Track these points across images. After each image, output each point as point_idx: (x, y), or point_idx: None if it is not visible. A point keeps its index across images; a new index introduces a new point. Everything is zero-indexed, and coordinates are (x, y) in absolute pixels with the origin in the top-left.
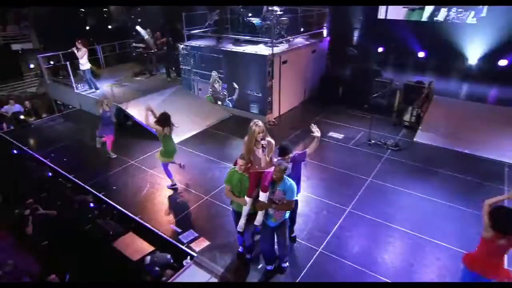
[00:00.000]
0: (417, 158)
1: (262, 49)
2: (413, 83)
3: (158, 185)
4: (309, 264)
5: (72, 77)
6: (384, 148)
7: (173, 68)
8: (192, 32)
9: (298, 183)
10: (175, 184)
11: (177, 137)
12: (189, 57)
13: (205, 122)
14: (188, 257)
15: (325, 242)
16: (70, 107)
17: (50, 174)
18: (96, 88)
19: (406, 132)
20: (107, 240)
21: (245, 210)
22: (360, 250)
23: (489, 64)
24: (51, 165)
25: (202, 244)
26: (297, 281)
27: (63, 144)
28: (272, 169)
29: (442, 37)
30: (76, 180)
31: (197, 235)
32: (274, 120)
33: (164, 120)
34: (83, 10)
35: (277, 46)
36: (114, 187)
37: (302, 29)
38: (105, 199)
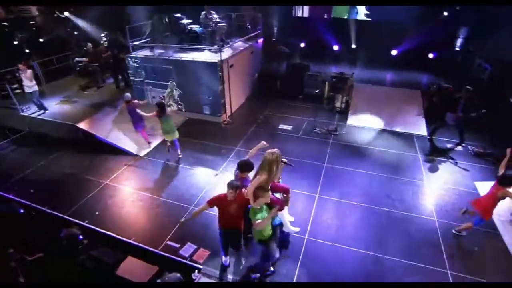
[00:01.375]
0: (354, 139)
1: (208, 56)
2: (338, 74)
3: (140, 202)
4: (301, 252)
5: (14, 98)
6: (327, 134)
7: (121, 77)
8: (136, 43)
9: None
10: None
11: (144, 150)
12: (140, 69)
13: None
14: (196, 270)
15: (308, 229)
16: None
17: (21, 210)
18: (45, 109)
19: (339, 117)
20: (108, 271)
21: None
22: (336, 230)
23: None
24: (19, 200)
25: (204, 254)
26: (297, 268)
27: (24, 173)
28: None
29: (353, 32)
30: (54, 213)
31: (196, 247)
32: (228, 119)
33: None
34: (6, 24)
35: (223, 51)
36: (97, 212)
37: (243, 33)
38: (92, 227)
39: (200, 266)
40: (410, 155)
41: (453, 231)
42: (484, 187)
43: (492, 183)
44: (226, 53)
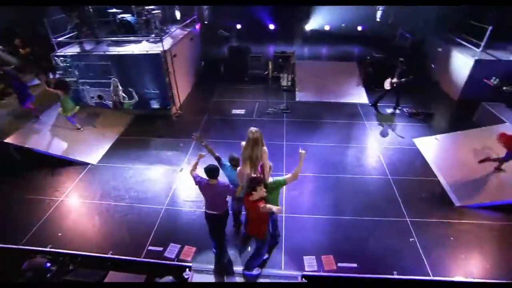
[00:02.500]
0: (305, 114)
1: (148, 47)
2: (280, 53)
3: (106, 212)
4: (283, 229)
5: None
6: (280, 113)
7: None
8: (61, 39)
9: None
10: (79, 128)
11: (95, 156)
12: (71, 68)
13: (114, 132)
14: (187, 269)
15: (284, 207)
16: None
17: None
18: None
19: (287, 95)
20: None
21: None
22: (307, 203)
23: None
24: None
25: (190, 252)
26: (283, 245)
27: None
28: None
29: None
30: (5, 246)
31: (179, 246)
32: (179, 111)
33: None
34: None
35: (163, 41)
36: (59, 234)
37: (179, 20)
38: (59, 251)
39: (190, 264)
40: (358, 123)
41: (494, 168)
42: (421, 142)
43: (427, 138)
44: (167, 42)
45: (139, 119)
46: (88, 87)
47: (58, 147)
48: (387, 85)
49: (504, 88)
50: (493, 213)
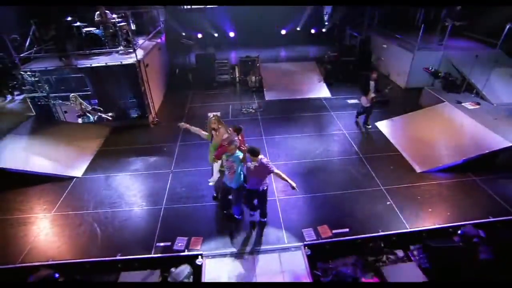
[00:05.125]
0: (276, 111)
1: (119, 58)
2: (245, 58)
3: (105, 219)
4: (279, 211)
5: None
6: (254, 112)
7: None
8: (28, 54)
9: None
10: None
11: (78, 170)
12: (41, 82)
13: (93, 144)
14: (199, 257)
15: (276, 192)
16: None
17: None
18: None
19: (257, 95)
20: None
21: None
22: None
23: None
24: None
25: (198, 241)
26: (282, 223)
27: None
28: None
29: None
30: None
31: (186, 238)
32: (156, 119)
33: None
34: None
35: (134, 52)
36: (58, 247)
37: (144, 31)
38: (63, 261)
39: (201, 252)
40: (325, 113)
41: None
42: (382, 125)
43: (385, 121)
44: (139, 53)
45: (116, 131)
46: (59, 101)
47: (36, 164)
48: (364, 101)
49: (440, 74)
50: (446, 174)
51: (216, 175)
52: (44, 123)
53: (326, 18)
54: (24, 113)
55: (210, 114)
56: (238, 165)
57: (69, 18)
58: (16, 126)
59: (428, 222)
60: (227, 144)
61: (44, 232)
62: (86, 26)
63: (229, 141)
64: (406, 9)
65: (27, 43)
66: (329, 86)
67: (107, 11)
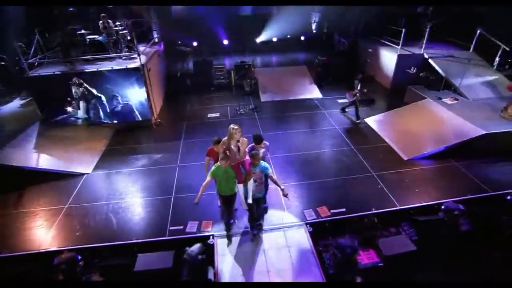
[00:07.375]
0: (272, 111)
1: (123, 63)
2: (241, 63)
3: (119, 209)
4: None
5: None
6: (251, 112)
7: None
8: (34, 60)
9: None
10: None
11: (88, 167)
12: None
13: (99, 145)
14: (211, 236)
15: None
16: None
17: None
18: None
19: (252, 97)
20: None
21: (250, 190)
22: (293, 175)
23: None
24: None
25: (208, 224)
26: (284, 206)
27: None
28: (247, 157)
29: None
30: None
31: (197, 222)
32: (159, 120)
33: None
34: None
35: (139, 56)
36: (77, 233)
37: (144, 39)
38: (83, 246)
39: (212, 233)
40: (318, 112)
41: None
42: (370, 120)
43: (373, 116)
44: (142, 58)
45: (120, 132)
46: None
47: (48, 162)
48: (348, 96)
49: (421, 74)
50: (430, 161)
51: (250, 193)
52: (50, 125)
53: (314, 26)
54: (31, 115)
55: (231, 126)
56: (267, 173)
57: (75, 27)
58: (25, 128)
59: (415, 201)
60: (251, 157)
61: (61, 220)
62: (89, 34)
63: (252, 153)
64: (392, 16)
65: (32, 50)
66: (321, 87)
67: (109, 20)
